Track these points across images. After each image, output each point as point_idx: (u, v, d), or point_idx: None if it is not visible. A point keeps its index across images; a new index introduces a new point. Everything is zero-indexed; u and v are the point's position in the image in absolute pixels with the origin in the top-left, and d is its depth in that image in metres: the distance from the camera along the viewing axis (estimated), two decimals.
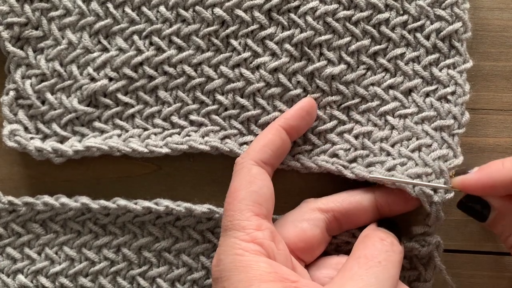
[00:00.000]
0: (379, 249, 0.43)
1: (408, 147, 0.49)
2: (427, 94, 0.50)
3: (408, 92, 0.50)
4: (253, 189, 0.44)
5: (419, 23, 0.50)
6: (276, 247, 0.43)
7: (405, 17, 0.50)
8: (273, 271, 0.40)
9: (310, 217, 0.47)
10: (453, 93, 0.50)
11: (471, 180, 0.45)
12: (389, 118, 0.50)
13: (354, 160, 0.50)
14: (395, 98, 0.50)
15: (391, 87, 0.50)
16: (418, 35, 0.50)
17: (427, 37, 0.50)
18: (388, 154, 0.50)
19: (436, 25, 0.50)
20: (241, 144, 0.50)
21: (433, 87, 0.50)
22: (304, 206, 0.48)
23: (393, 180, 0.47)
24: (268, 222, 0.44)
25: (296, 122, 0.48)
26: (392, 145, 0.50)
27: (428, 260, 0.49)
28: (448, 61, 0.50)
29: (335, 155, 0.50)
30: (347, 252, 0.48)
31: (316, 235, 0.46)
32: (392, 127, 0.50)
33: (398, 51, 0.50)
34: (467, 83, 0.50)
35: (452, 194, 0.47)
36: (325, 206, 0.47)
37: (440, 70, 0.50)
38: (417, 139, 0.49)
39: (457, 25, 0.50)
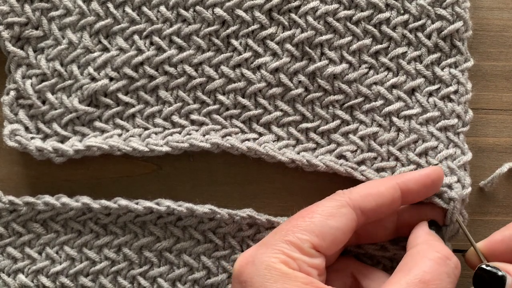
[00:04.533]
0: (441, 273, 0.40)
1: (415, 151, 0.50)
2: (430, 94, 0.50)
3: (412, 91, 0.50)
4: (329, 222, 0.42)
5: (420, 22, 0.50)
6: (317, 276, 0.41)
7: (406, 16, 0.50)
8: (309, 282, 0.39)
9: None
10: (455, 92, 0.50)
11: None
12: (394, 119, 0.50)
13: (362, 162, 0.50)
14: (399, 98, 0.50)
15: (394, 86, 0.50)
16: (419, 34, 0.50)
17: (428, 36, 0.50)
18: (397, 158, 0.50)
19: (437, 24, 0.50)
20: (243, 141, 0.50)
21: (435, 87, 0.50)
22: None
23: (464, 229, 0.47)
24: (321, 257, 0.42)
25: (417, 186, 0.45)
26: (400, 149, 0.50)
27: None
28: (449, 60, 0.50)
29: (342, 156, 0.50)
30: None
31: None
32: (398, 129, 0.50)
33: (400, 50, 0.50)
34: (469, 82, 0.50)
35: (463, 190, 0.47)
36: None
37: (442, 69, 0.50)
38: (423, 141, 0.50)
39: (458, 24, 0.50)
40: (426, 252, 0.42)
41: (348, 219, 0.43)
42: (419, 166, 0.49)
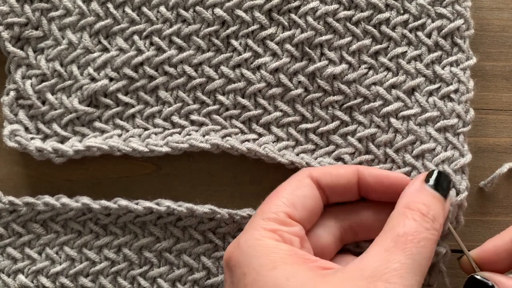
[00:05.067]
0: (419, 227, 0.41)
1: (412, 153, 0.49)
2: (430, 93, 0.50)
3: (411, 91, 0.50)
4: (296, 192, 0.45)
5: (420, 21, 0.50)
6: (299, 244, 0.43)
7: (406, 16, 0.50)
8: (293, 253, 0.41)
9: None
10: (456, 91, 0.50)
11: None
12: (392, 120, 0.50)
13: (359, 164, 0.50)
14: (398, 98, 0.50)
15: (393, 86, 0.50)
16: (420, 33, 0.50)
17: (429, 35, 0.50)
18: (393, 161, 0.50)
19: (437, 23, 0.50)
20: (243, 142, 0.50)
21: (436, 86, 0.50)
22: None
23: (456, 238, 0.47)
24: (298, 225, 0.44)
25: (372, 180, 0.47)
26: (396, 151, 0.50)
27: (433, 265, 0.49)
28: (450, 59, 0.50)
29: (340, 158, 0.50)
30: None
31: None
32: (396, 130, 0.50)
33: (399, 50, 0.50)
34: (471, 80, 0.50)
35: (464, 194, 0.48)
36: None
37: (443, 68, 0.50)
38: (421, 143, 0.49)
39: (459, 22, 0.50)
40: (408, 207, 0.43)
41: (312, 187, 0.46)
42: (414, 168, 0.49)
